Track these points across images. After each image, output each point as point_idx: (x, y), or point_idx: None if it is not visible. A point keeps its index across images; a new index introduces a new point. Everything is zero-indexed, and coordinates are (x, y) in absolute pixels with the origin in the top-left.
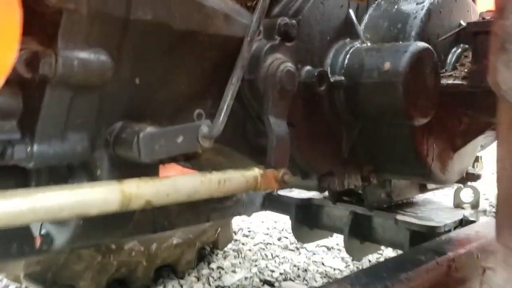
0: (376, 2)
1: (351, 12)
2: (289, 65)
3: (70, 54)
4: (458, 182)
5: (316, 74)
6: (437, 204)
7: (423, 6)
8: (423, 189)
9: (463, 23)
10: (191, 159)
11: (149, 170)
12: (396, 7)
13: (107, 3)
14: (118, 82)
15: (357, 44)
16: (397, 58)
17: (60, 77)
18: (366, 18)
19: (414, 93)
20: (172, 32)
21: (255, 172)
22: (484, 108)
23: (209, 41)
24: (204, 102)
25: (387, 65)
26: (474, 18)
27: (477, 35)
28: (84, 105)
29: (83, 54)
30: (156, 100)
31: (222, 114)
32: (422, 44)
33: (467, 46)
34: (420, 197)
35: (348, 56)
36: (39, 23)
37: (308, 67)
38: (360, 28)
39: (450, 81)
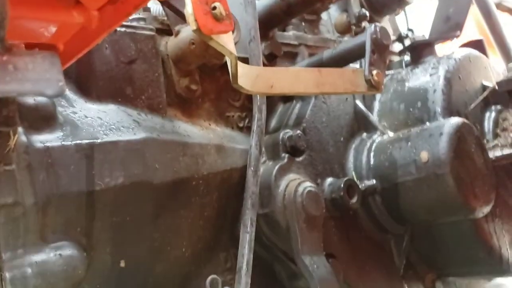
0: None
1: (359, 103)
2: (309, 185)
3: (20, 261)
4: None
5: (342, 185)
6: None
7: (439, 76)
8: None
9: (487, 83)
10: None
11: None
12: (407, 85)
13: (60, 180)
14: (97, 274)
15: (376, 137)
16: (434, 144)
17: None
18: (376, 105)
19: (467, 181)
20: (156, 188)
21: None
22: None
23: (205, 184)
24: (216, 259)
25: (424, 156)
26: (494, 74)
27: None
28: None
29: (39, 256)
30: (152, 278)
31: (243, 275)
32: (456, 120)
33: (500, 107)
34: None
35: (372, 154)
36: None
37: (330, 179)
38: (374, 118)
39: (498, 153)
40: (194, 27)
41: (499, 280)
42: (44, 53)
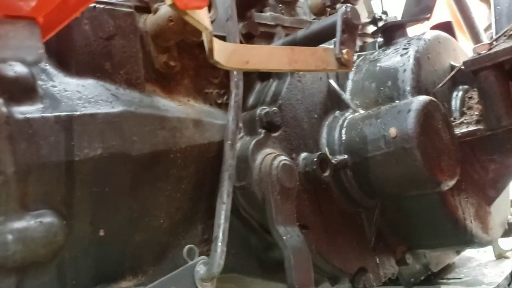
0: (354, 65)
1: (332, 82)
2: (284, 158)
3: (1, 228)
4: (503, 235)
5: (315, 159)
6: (477, 260)
7: (409, 56)
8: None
9: (455, 64)
10: None
11: None
12: (378, 65)
13: (41, 150)
14: (77, 242)
15: (349, 114)
16: (402, 121)
17: None
18: (349, 84)
19: (434, 155)
20: (133, 160)
21: None
22: (510, 149)
23: (183, 157)
24: (193, 230)
25: (393, 131)
26: (462, 55)
27: (478, 73)
28: (38, 286)
29: (20, 223)
30: (131, 247)
31: (219, 243)
32: (424, 98)
33: (466, 86)
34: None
35: (344, 130)
36: None
37: (304, 154)
38: (347, 96)
39: (464, 129)
40: (170, 2)
41: (468, 253)
42: (24, 22)
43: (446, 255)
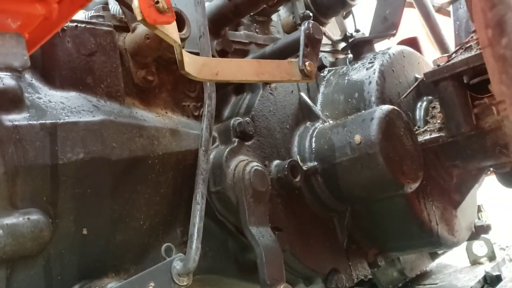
0: (325, 79)
1: (303, 95)
2: (256, 164)
3: None
4: (470, 238)
5: (286, 166)
6: (453, 267)
7: (374, 69)
8: (434, 255)
9: (418, 76)
10: None
11: None
12: (347, 78)
13: (27, 154)
14: (62, 239)
15: (319, 125)
16: (365, 128)
17: None
18: (319, 97)
19: (396, 159)
20: (113, 164)
21: None
22: (471, 155)
23: (160, 163)
24: (173, 232)
25: (357, 138)
26: (427, 68)
27: (438, 83)
28: (26, 279)
29: (9, 220)
30: (113, 246)
31: (194, 240)
32: (386, 107)
33: (430, 97)
34: (433, 264)
35: (314, 139)
36: None
37: (276, 161)
38: (317, 108)
39: (428, 136)
40: (140, 18)
41: (444, 260)
42: (12, 34)
43: (420, 261)
